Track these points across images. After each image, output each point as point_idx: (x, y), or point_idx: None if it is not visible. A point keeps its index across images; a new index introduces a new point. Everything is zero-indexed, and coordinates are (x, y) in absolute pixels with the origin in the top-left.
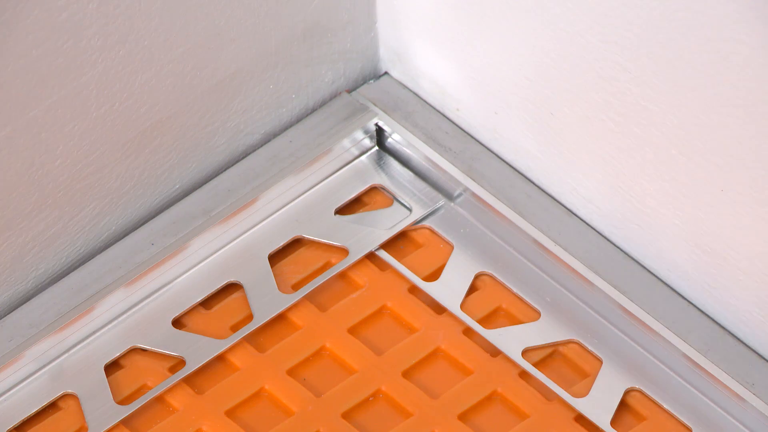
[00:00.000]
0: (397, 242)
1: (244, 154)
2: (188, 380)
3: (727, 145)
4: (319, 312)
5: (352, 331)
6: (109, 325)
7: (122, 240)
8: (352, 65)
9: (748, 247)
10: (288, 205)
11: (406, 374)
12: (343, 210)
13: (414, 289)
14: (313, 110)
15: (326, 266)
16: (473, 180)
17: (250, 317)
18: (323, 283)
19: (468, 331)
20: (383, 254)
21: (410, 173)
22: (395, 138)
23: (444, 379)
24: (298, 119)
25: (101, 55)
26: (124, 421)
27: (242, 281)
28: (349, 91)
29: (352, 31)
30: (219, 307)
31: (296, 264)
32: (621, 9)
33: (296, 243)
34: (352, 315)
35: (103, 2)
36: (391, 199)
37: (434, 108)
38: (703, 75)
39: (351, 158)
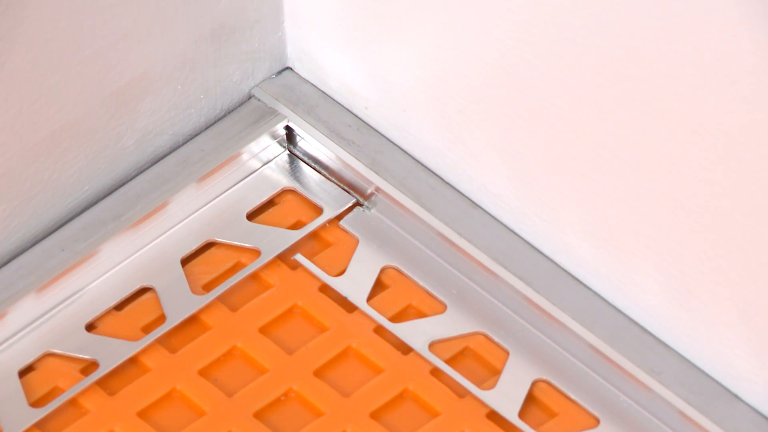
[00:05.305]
0: (309, 242)
1: (153, 155)
2: (100, 382)
3: (635, 141)
4: (230, 312)
5: (263, 330)
6: (22, 332)
7: (32, 247)
8: (260, 65)
9: (656, 241)
10: (199, 210)
11: (318, 373)
12: (254, 213)
13: (324, 288)
14: (222, 110)
15: (237, 267)
16: (376, 173)
17: (161, 318)
18: (235, 284)
19: (379, 330)
20: (294, 254)
21: (320, 173)
22: (304, 138)
23: (355, 377)
24: (207, 119)
25: (9, 58)
26: (38, 424)
27: (154, 285)
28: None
29: (259, 30)
30: (131, 310)
31: (207, 265)
32: (527, 5)
33: (208, 246)
34: (262, 315)
35: (11, 5)
36: (302, 199)
37: (343, 106)
38: (610, 71)
39: (261, 162)
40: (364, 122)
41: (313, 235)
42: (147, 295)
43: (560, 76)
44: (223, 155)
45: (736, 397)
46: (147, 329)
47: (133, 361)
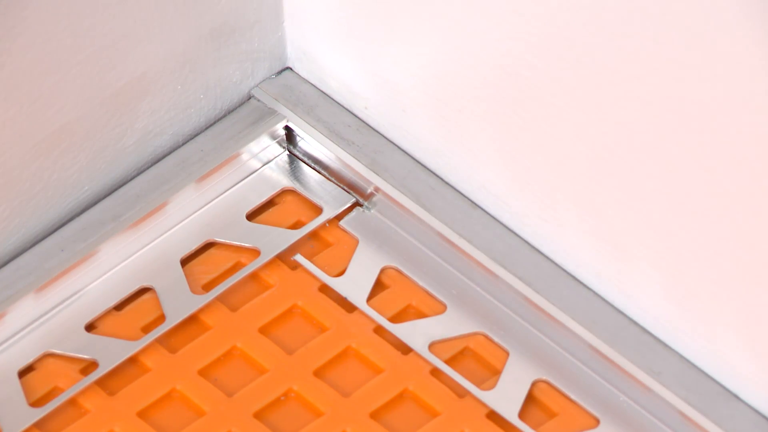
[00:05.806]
0: (308, 242)
1: (153, 154)
2: (100, 382)
3: (635, 141)
4: (230, 312)
5: (263, 330)
6: (22, 332)
7: (32, 248)
8: (260, 65)
9: (656, 241)
10: (199, 210)
11: (318, 373)
12: (254, 213)
13: (324, 288)
14: (222, 110)
15: (237, 266)
16: (375, 173)
17: (161, 318)
18: (234, 283)
19: (379, 330)
20: (294, 254)
21: (320, 173)
22: (303, 138)
23: (355, 377)
24: (207, 119)
25: (8, 58)
26: (37, 424)
27: (154, 285)
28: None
29: (259, 30)
30: (131, 310)
31: (207, 264)
32: (527, 5)
33: (208, 246)
34: (262, 315)
35: (11, 5)
36: (302, 199)
37: (342, 106)
38: (611, 71)
39: (261, 162)
40: (364, 122)
41: (313, 235)
42: (147, 295)
43: (560, 76)
44: (222, 155)
45: (736, 397)
46: (147, 329)
47: (132, 361)
